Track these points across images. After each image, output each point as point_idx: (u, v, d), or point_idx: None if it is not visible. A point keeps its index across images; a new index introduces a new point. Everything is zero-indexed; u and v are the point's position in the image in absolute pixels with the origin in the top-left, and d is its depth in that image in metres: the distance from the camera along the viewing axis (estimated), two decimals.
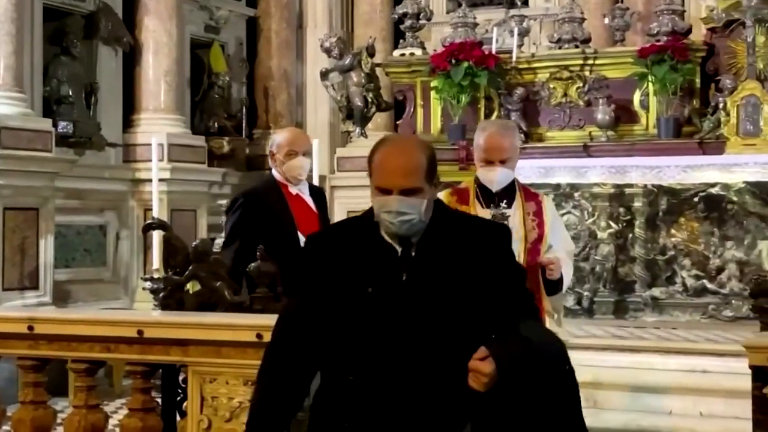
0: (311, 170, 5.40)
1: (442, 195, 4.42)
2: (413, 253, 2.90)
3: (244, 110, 12.33)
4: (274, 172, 5.14)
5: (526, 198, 4.49)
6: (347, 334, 2.90)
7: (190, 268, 4.76)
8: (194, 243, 4.79)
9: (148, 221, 5.28)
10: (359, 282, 2.89)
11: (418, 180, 2.87)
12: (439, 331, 2.84)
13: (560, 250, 4.47)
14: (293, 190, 5.06)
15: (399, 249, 2.91)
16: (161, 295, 4.85)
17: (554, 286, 4.43)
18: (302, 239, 4.40)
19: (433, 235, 2.92)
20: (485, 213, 4.34)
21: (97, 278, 10.04)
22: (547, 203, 4.55)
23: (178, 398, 4.45)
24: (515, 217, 4.39)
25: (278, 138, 5.18)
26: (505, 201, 4.42)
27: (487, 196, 4.44)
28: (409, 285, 2.87)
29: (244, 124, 12.31)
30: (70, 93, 9.70)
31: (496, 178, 4.39)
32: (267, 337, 4.12)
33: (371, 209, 2.99)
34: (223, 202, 9.45)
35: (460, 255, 2.90)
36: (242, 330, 4.13)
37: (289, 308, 3.16)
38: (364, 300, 2.88)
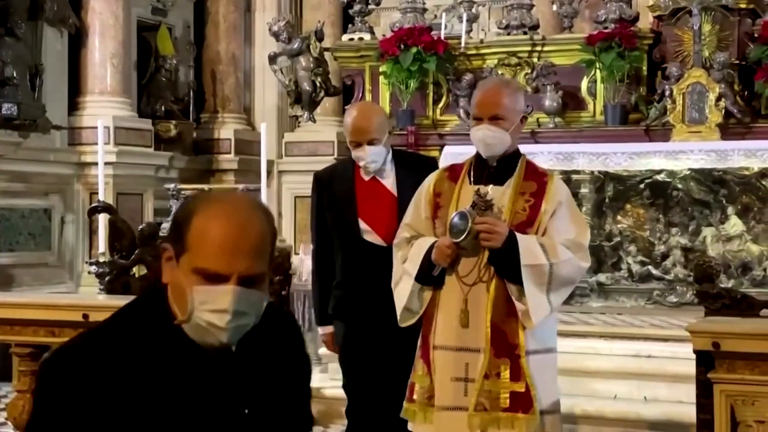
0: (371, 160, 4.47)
1: (437, 173, 4.00)
2: (242, 370, 2.07)
3: (191, 94, 12.22)
4: None
5: (526, 176, 3.85)
6: None
7: (137, 251, 4.73)
8: (141, 227, 4.76)
9: (94, 204, 5.23)
10: (177, 421, 1.97)
11: (265, 263, 2.01)
12: None
13: (555, 236, 3.76)
14: (367, 173, 4.49)
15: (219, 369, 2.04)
16: (107, 278, 4.82)
17: (506, 265, 3.70)
18: (363, 228, 4.38)
19: (254, 342, 2.09)
20: (470, 190, 3.82)
21: (41, 262, 9.92)
22: (555, 184, 3.84)
23: None
24: (504, 196, 3.80)
25: (346, 120, 4.53)
26: (490, 185, 3.83)
27: (482, 172, 3.87)
28: (253, 420, 2.07)
29: (191, 108, 12.20)
30: (15, 75, 9.55)
31: (482, 136, 3.81)
32: None
33: (156, 296, 2.07)
34: (171, 186, 9.40)
35: (276, 369, 2.15)
36: None
37: None
38: None
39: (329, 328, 4.55)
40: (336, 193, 4.49)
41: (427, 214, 3.91)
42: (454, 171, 3.94)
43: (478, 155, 3.92)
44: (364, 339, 4.39)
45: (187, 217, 1.99)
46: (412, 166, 4.49)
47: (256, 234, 1.98)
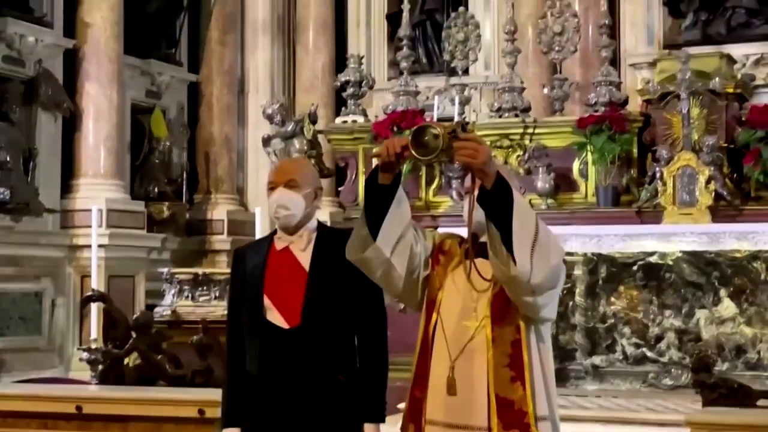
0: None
1: (447, 233, 3.57)
2: None
3: (184, 175, 12.29)
4: None
5: None
6: None
7: (131, 340, 4.72)
8: (135, 315, 4.75)
9: (88, 293, 5.22)
10: None
11: None
12: None
13: None
14: (282, 242, 3.80)
15: None
16: (100, 368, 4.79)
17: (496, 205, 3.21)
18: (266, 305, 3.67)
19: None
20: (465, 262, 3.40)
21: (32, 347, 9.88)
22: None
23: None
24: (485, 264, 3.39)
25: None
26: (479, 258, 3.41)
27: (474, 244, 3.46)
28: None
29: (184, 189, 12.26)
30: (8, 159, 9.61)
31: (465, 207, 3.44)
32: (209, 412, 4.08)
33: None
34: (164, 270, 9.38)
35: None
36: (184, 406, 4.09)
37: None
38: None
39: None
40: (247, 266, 3.82)
41: (428, 253, 3.48)
42: (461, 238, 3.54)
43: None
44: None
45: None
46: (338, 242, 3.61)
47: None
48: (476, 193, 3.24)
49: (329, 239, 3.78)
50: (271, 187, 3.78)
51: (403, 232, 3.38)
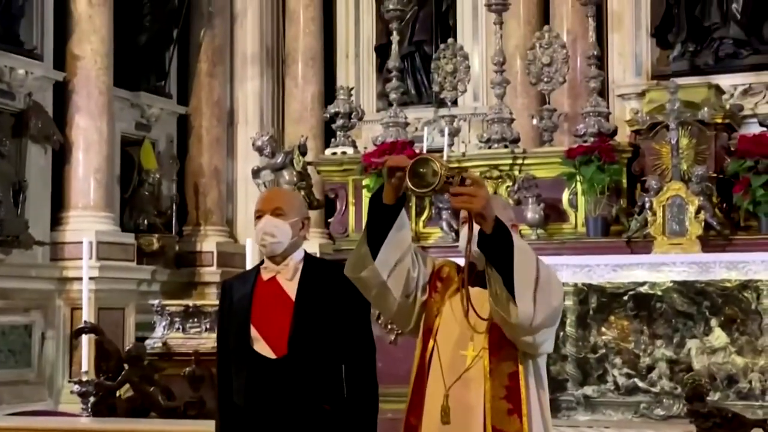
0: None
1: (446, 260, 3.57)
2: None
3: (174, 207, 12.29)
4: None
5: None
6: None
7: (124, 372, 4.70)
8: (128, 347, 4.74)
9: (80, 325, 5.20)
10: None
11: None
12: None
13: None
14: (268, 272, 3.78)
15: None
16: (92, 400, 4.77)
17: (496, 250, 3.16)
18: (254, 336, 3.66)
19: None
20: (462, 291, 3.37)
21: (21, 380, 9.83)
22: None
23: None
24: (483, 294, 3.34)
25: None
26: (477, 287, 3.38)
27: (470, 273, 3.40)
28: None
29: (173, 221, 12.25)
30: None
31: (462, 237, 3.39)
32: None
33: None
34: (155, 302, 9.36)
35: None
36: None
37: None
38: None
39: None
40: (234, 297, 3.82)
41: (427, 279, 3.47)
42: (458, 266, 3.51)
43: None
44: None
45: None
46: (325, 271, 3.78)
47: None
48: (475, 236, 3.20)
49: (316, 269, 3.79)
50: (258, 216, 3.77)
51: (401, 256, 3.39)
